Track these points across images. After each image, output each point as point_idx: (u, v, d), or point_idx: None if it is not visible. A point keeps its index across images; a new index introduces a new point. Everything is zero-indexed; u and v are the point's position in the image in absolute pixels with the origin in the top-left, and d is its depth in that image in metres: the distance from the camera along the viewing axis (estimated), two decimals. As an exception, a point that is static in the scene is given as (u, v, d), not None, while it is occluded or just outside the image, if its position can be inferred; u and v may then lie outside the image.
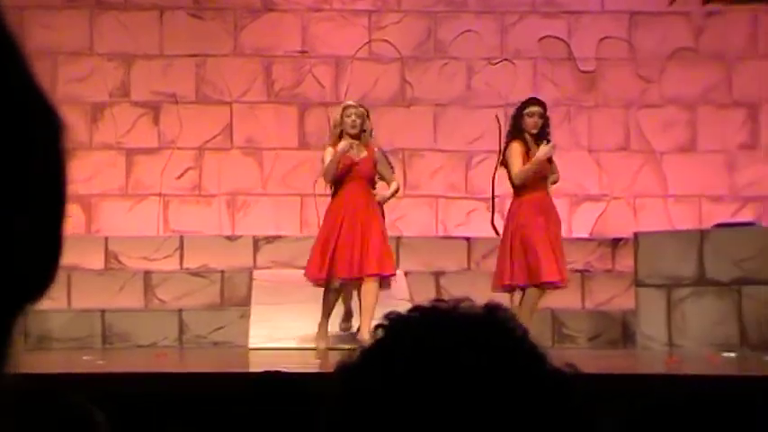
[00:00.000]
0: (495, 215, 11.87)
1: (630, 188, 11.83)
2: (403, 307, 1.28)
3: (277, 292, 10.35)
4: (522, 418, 1.17)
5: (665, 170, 11.93)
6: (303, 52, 11.93)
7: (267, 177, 11.77)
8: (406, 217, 11.50)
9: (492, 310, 1.25)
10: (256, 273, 10.85)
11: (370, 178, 9.23)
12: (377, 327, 1.24)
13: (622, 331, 10.44)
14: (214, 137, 11.78)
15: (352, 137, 9.13)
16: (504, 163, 9.20)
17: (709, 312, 9.19)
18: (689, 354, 8.55)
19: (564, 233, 11.66)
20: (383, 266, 8.96)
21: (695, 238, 9.49)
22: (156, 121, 11.78)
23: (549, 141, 9.13)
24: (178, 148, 11.74)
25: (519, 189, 9.06)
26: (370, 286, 8.87)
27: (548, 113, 9.27)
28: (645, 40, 12.05)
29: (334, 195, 9.25)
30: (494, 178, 11.84)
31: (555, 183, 9.28)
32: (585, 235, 11.65)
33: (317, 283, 9.05)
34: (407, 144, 11.77)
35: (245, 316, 10.30)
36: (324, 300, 9.15)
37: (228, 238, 11.37)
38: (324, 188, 9.81)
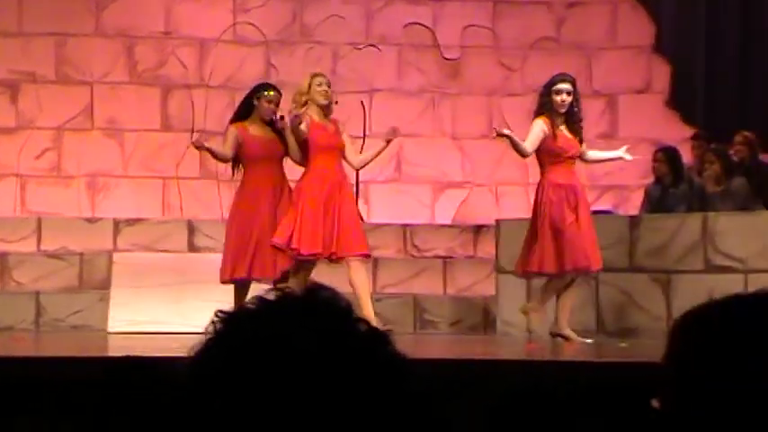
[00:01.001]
0: (359, 200, 11.89)
1: (492, 175, 11.94)
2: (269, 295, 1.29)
3: (138, 276, 10.24)
4: (352, 399, 1.18)
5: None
6: (166, 33, 11.79)
7: (128, 159, 11.62)
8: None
9: (314, 292, 1.26)
10: (116, 255, 10.71)
11: (343, 152, 8.54)
12: (212, 322, 1.25)
13: (483, 317, 10.54)
14: (74, 117, 11.58)
15: (323, 108, 8.48)
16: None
17: (567, 299, 9.30)
18: (547, 340, 8.66)
19: (426, 219, 11.77)
20: (363, 246, 8.40)
21: (555, 226, 9.60)
22: (13, 100, 11.54)
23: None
24: (37, 128, 11.52)
25: (545, 170, 8.72)
26: (358, 266, 8.32)
27: (577, 90, 8.68)
28: (508, 29, 12.16)
29: (307, 170, 8.41)
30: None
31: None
32: (448, 221, 11.74)
33: (310, 259, 8.32)
34: (272, 128, 11.70)
35: (105, 299, 10.18)
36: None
37: (88, 220, 11.20)
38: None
